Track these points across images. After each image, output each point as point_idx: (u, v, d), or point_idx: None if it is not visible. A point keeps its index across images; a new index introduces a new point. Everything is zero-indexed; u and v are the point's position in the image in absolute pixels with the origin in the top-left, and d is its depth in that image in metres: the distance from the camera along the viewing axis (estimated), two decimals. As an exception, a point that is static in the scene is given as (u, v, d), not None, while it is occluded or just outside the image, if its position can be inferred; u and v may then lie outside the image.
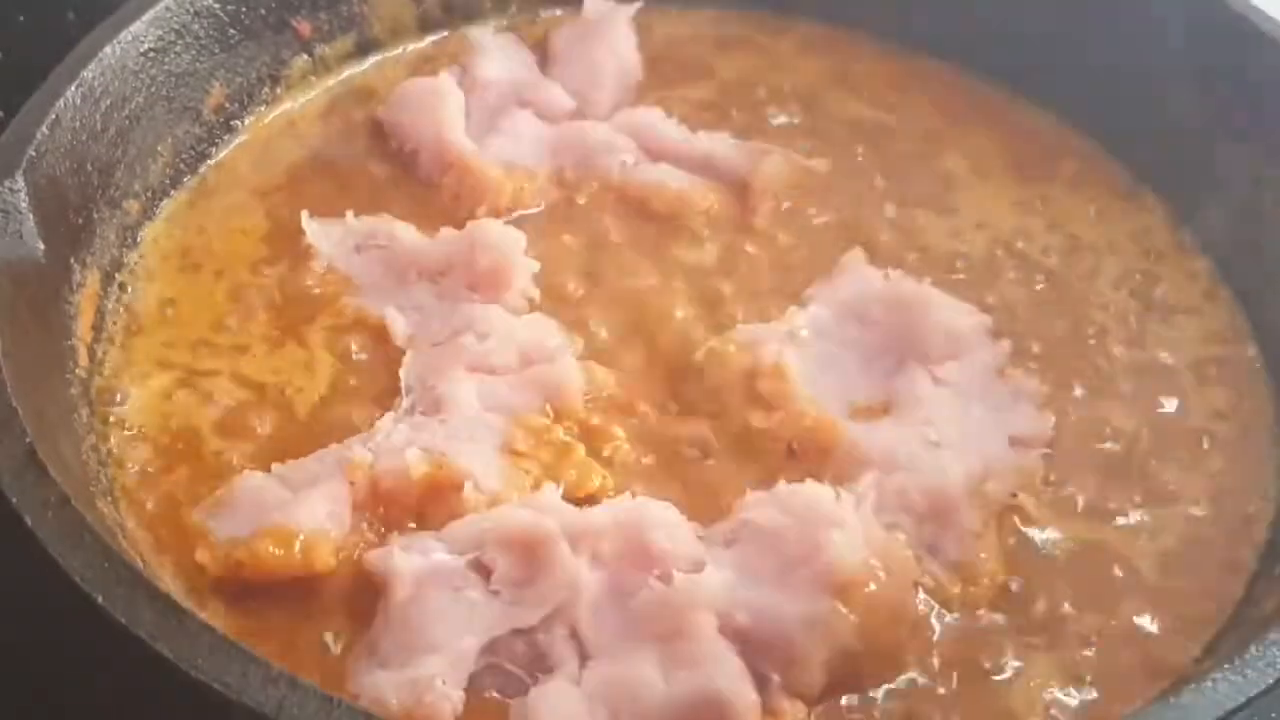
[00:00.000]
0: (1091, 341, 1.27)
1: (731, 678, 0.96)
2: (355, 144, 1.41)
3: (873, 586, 0.99)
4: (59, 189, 1.15)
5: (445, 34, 1.53)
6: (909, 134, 1.47)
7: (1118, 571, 1.10)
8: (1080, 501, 1.14)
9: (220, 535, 1.04)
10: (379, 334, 1.21)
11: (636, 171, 1.37)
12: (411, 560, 1.00)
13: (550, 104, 1.43)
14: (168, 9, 1.28)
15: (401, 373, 1.17)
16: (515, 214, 1.33)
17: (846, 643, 0.98)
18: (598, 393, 1.17)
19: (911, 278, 1.25)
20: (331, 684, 0.96)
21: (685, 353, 1.21)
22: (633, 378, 1.20)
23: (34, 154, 1.11)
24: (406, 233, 1.28)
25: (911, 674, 1.02)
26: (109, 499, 1.08)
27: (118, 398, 1.15)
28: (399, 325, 1.20)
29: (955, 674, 1.03)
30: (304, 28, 1.43)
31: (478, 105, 1.42)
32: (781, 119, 1.47)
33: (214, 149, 1.37)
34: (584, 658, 0.98)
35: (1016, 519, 1.12)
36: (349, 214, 1.29)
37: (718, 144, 1.40)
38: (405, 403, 1.15)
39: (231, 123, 1.39)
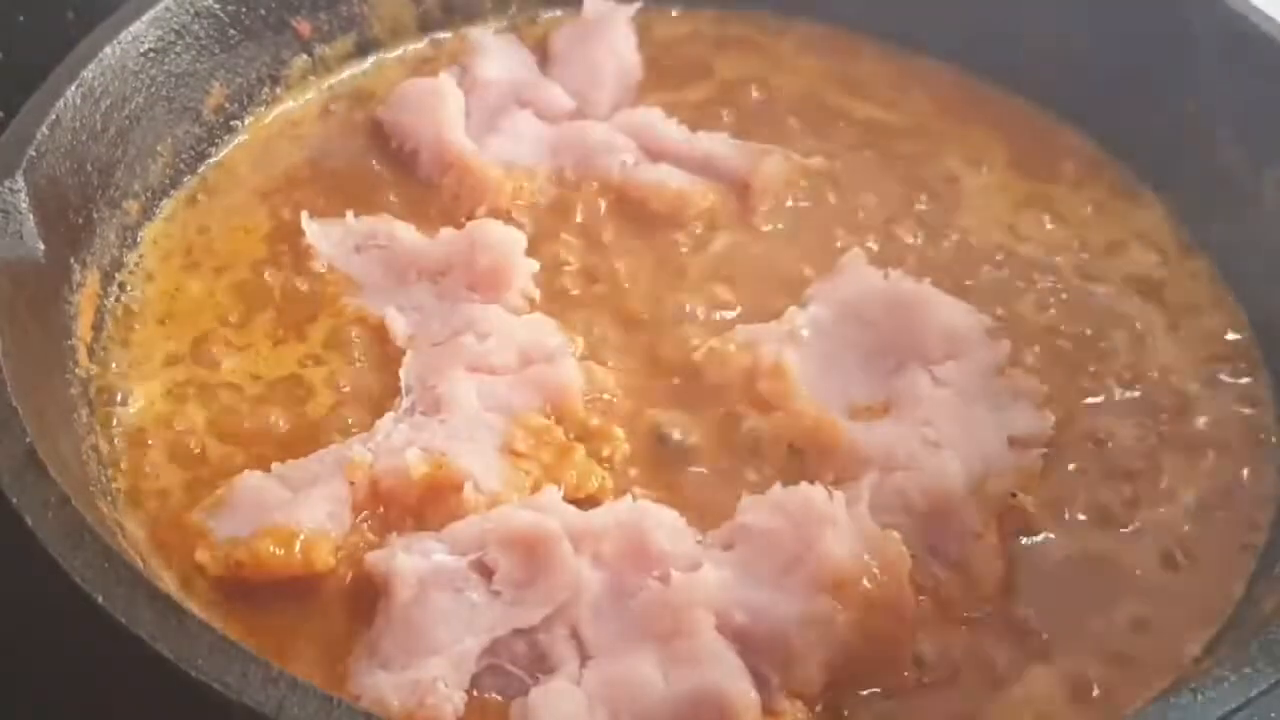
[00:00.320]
0: (1091, 341, 1.27)
1: (731, 675, 0.96)
2: (355, 144, 1.41)
3: (867, 584, 0.99)
4: (59, 189, 1.15)
5: (445, 34, 1.53)
6: (909, 134, 1.47)
7: (1117, 571, 1.10)
8: (1080, 501, 1.14)
9: (220, 535, 1.04)
10: (379, 334, 1.21)
11: (636, 171, 1.37)
12: (413, 561, 1.00)
13: (550, 104, 1.43)
14: (168, 9, 1.28)
15: (401, 373, 1.17)
16: (515, 214, 1.33)
17: (844, 641, 0.98)
18: (597, 393, 1.17)
19: (911, 278, 1.25)
20: (331, 684, 0.96)
21: (685, 353, 1.21)
22: (633, 378, 1.20)
23: (34, 154, 1.11)
24: (406, 233, 1.28)
25: (911, 674, 1.02)
26: (109, 499, 1.08)
27: (118, 398, 1.15)
28: (399, 325, 1.20)
29: (955, 674, 1.03)
30: (304, 28, 1.43)
31: (478, 105, 1.42)
32: (781, 119, 1.47)
33: (214, 149, 1.37)
34: (584, 658, 0.98)
35: (1016, 519, 1.12)
36: (349, 214, 1.29)
37: (718, 144, 1.40)
38: (405, 403, 1.15)
39: (231, 123, 1.39)
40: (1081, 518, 1.14)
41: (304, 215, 1.29)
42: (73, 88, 1.17)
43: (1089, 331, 1.28)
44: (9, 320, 1.03)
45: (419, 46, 1.52)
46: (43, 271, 1.10)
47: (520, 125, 1.41)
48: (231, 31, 1.36)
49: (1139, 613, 1.08)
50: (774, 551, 1.02)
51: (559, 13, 1.55)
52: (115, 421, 1.14)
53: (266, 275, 1.26)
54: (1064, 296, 1.31)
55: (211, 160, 1.37)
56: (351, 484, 1.06)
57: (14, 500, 0.90)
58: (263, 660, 0.83)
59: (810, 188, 1.39)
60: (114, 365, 1.18)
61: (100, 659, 1.00)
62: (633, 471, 1.13)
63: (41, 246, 1.10)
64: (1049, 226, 1.38)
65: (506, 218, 1.31)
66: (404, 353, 1.19)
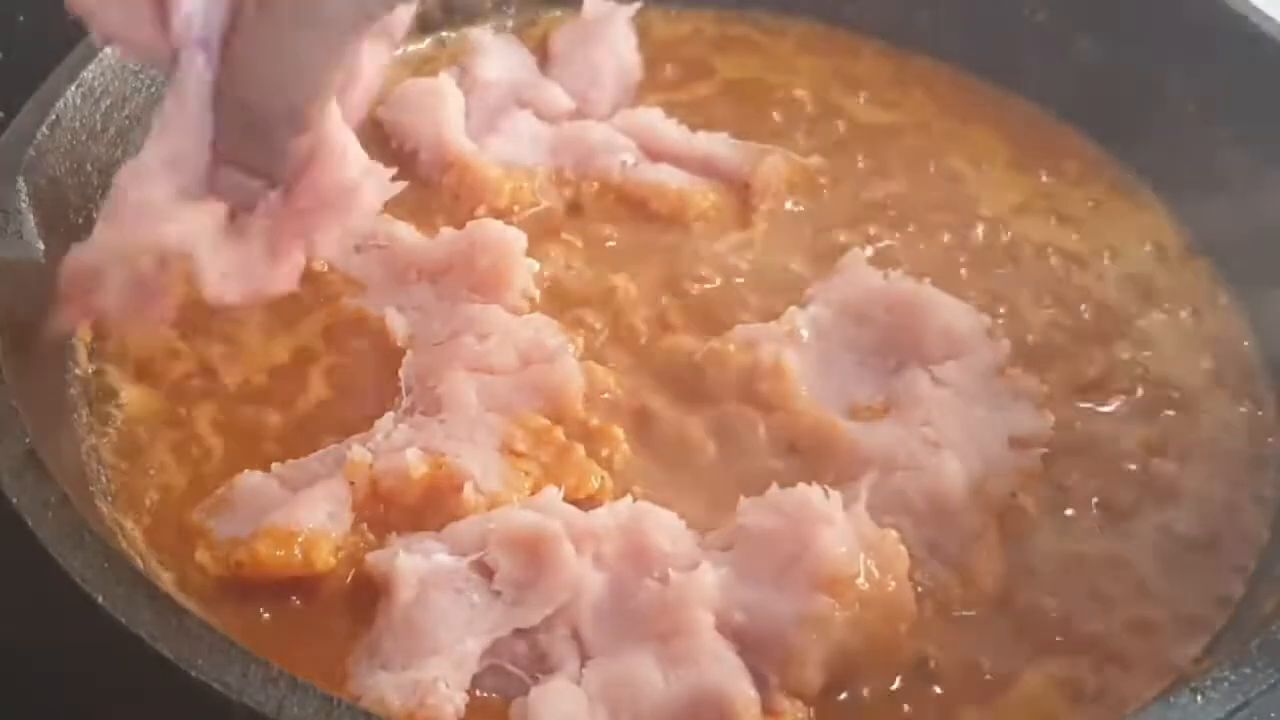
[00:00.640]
0: (1091, 341, 1.27)
1: (730, 674, 0.96)
2: (355, 144, 1.41)
3: (864, 583, 0.99)
4: (59, 189, 1.15)
5: (445, 34, 1.53)
6: (909, 133, 1.47)
7: (1118, 571, 1.10)
8: (1080, 501, 1.14)
9: (220, 535, 1.04)
10: (379, 334, 1.21)
11: (636, 171, 1.37)
12: (414, 562, 1.00)
13: (550, 104, 1.43)
14: (168, 9, 1.28)
15: (401, 373, 1.17)
16: (515, 214, 1.33)
17: (843, 641, 0.98)
18: (597, 393, 1.17)
19: (911, 277, 1.25)
20: (331, 684, 0.96)
21: (685, 353, 1.21)
22: (632, 378, 1.20)
23: (34, 154, 1.11)
24: (406, 233, 1.28)
25: (911, 674, 1.02)
26: (109, 499, 1.08)
27: (118, 398, 1.15)
28: (399, 325, 1.20)
29: (955, 674, 1.03)
30: (304, 28, 1.43)
31: (478, 105, 1.42)
32: (781, 119, 1.47)
33: (214, 149, 1.37)
34: (584, 658, 0.98)
35: (1016, 519, 1.12)
36: (349, 214, 1.29)
37: (718, 144, 1.40)
38: (405, 403, 1.15)
39: (231, 123, 1.39)
40: (1082, 518, 1.14)
41: (304, 215, 1.29)
42: (73, 88, 1.17)
43: (1089, 331, 1.28)
44: (9, 320, 1.03)
45: (419, 46, 1.52)
46: (43, 271, 1.10)
47: (520, 125, 1.41)
48: (231, 31, 1.36)
49: (1139, 613, 1.08)
50: (772, 551, 1.01)
51: (559, 13, 1.55)
52: (115, 421, 1.14)
53: (266, 275, 1.26)
54: (1064, 296, 1.31)
55: (211, 160, 1.37)
56: (351, 484, 1.06)
57: (14, 500, 0.90)
58: (263, 660, 0.83)
59: (810, 188, 1.39)
60: (114, 365, 1.18)
61: (100, 659, 1.00)
62: (632, 472, 1.13)
63: (41, 246, 1.10)
64: (1049, 226, 1.38)
65: (506, 218, 1.31)
66: (404, 352, 1.19)
